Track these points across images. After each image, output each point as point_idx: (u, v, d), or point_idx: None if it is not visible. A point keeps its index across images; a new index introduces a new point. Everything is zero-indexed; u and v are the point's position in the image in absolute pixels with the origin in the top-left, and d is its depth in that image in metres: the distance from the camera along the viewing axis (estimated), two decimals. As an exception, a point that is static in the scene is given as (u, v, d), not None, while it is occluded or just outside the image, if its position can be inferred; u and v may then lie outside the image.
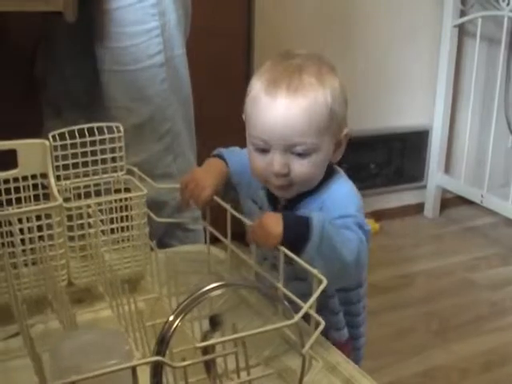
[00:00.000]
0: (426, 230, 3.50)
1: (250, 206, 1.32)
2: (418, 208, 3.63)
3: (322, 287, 0.97)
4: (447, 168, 3.61)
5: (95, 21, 1.81)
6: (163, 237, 1.89)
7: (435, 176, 3.56)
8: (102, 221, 1.22)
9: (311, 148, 1.16)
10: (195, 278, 1.21)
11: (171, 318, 0.88)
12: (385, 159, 3.45)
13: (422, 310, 2.70)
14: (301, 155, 1.16)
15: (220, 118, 2.65)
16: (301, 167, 1.17)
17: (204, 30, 2.52)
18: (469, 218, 3.58)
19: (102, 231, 1.22)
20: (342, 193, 1.22)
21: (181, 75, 1.93)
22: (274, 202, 1.27)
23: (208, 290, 0.91)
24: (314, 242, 1.05)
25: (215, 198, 1.24)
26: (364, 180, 3.36)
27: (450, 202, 3.66)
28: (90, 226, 1.21)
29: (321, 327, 0.97)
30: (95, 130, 1.28)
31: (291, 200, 1.24)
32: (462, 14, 3.35)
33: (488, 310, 2.73)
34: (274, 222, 1.06)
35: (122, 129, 1.29)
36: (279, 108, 1.14)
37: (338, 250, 1.08)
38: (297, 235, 1.06)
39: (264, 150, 1.18)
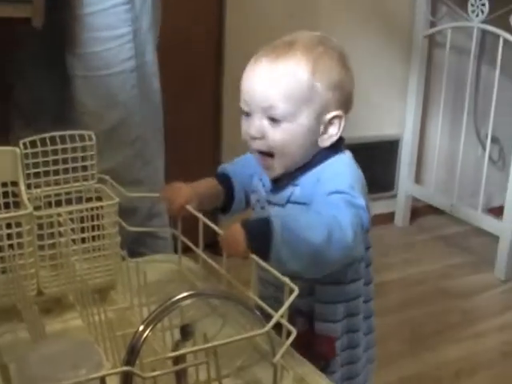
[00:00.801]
0: (396, 239, 3.51)
1: (256, 183, 1.34)
2: (389, 217, 3.65)
3: (293, 296, 0.97)
4: (417, 177, 3.63)
5: (67, 26, 1.80)
6: (132, 244, 1.88)
7: (405, 185, 3.58)
8: (72, 230, 1.21)
9: (285, 114, 1.19)
10: (167, 287, 1.20)
11: (141, 328, 0.88)
12: (356, 168, 3.44)
13: (393, 319, 2.70)
14: (275, 120, 1.20)
15: (189, 127, 2.66)
16: (274, 133, 1.21)
17: (175, 40, 2.52)
18: (439, 226, 3.60)
19: (73, 240, 1.21)
20: (336, 169, 1.24)
21: (151, 81, 1.93)
22: (274, 181, 1.29)
23: (178, 299, 0.91)
24: (277, 233, 1.05)
25: (187, 206, 1.24)
26: (335, 189, 3.35)
27: (421, 211, 3.68)
28: (60, 234, 1.20)
29: (292, 336, 0.97)
30: (67, 138, 1.27)
31: (289, 178, 1.26)
32: (432, 24, 3.38)
33: (459, 319, 2.75)
34: (238, 229, 1.06)
35: (93, 137, 1.28)
36: (260, 70, 1.20)
37: (302, 236, 1.08)
38: (259, 234, 1.06)
39: (248, 114, 1.22)
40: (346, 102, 1.26)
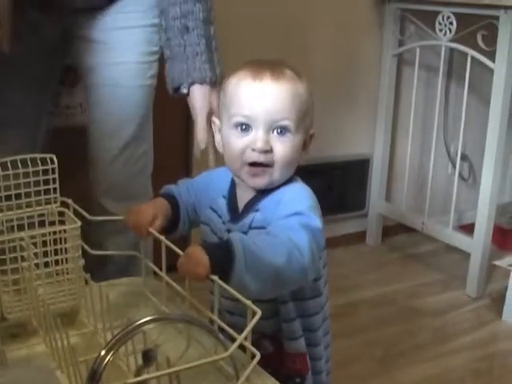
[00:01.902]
0: (368, 258, 3.52)
1: (209, 214, 1.34)
2: (360, 236, 3.65)
3: (256, 318, 0.96)
4: (388, 196, 3.64)
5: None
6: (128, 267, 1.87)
7: (376, 204, 3.59)
8: (35, 254, 1.20)
9: (292, 126, 1.23)
10: (131, 311, 1.19)
11: (103, 353, 0.87)
12: (326, 188, 3.46)
13: (365, 338, 2.71)
14: (282, 133, 1.23)
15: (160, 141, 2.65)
16: (282, 146, 1.24)
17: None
18: (410, 245, 3.61)
19: (36, 264, 1.20)
20: (296, 191, 1.26)
21: None
22: (233, 210, 1.31)
23: (140, 324, 0.90)
24: (239, 257, 1.06)
25: (151, 229, 1.24)
26: (306, 209, 3.35)
27: (392, 229, 3.69)
28: (23, 259, 1.18)
29: (256, 358, 0.96)
30: (28, 161, 1.26)
31: (248, 205, 1.27)
32: (401, 43, 3.41)
33: (431, 337, 2.76)
34: (199, 251, 1.06)
35: (55, 160, 1.27)
36: (265, 86, 1.23)
37: (263, 259, 1.09)
38: (222, 257, 1.06)
39: (245, 129, 1.23)
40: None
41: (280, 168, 1.24)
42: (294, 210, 1.18)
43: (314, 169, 3.34)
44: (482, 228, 3.04)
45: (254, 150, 1.23)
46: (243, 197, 1.30)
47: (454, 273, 3.29)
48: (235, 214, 1.29)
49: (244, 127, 1.24)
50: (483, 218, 3.03)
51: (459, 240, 3.20)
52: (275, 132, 1.23)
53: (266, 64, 1.26)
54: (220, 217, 1.31)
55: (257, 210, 1.25)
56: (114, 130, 1.84)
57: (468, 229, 3.31)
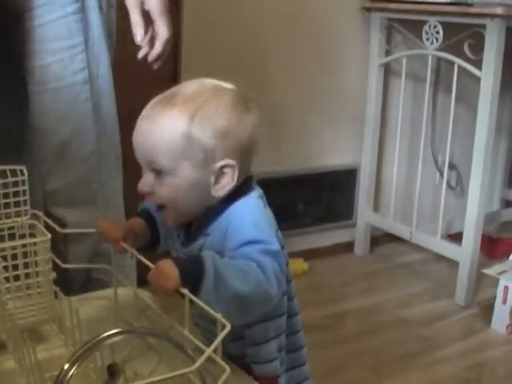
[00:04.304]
0: (356, 267, 3.51)
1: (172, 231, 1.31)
2: (348, 246, 3.64)
3: (225, 331, 0.94)
4: (376, 205, 3.63)
5: (19, 42, 1.77)
6: (90, 272, 1.83)
7: (364, 214, 3.58)
8: (5, 267, 1.18)
9: (164, 169, 1.17)
10: (102, 325, 1.17)
11: (66, 366, 0.85)
12: (314, 198, 3.46)
13: (354, 348, 2.70)
14: (159, 174, 1.18)
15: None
16: (160, 187, 1.18)
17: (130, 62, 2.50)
18: (398, 254, 3.60)
19: (6, 278, 1.18)
20: (240, 217, 1.18)
21: (106, 96, 1.86)
22: (187, 231, 1.26)
23: (105, 336, 0.89)
24: (209, 275, 1.03)
25: (121, 243, 1.22)
26: (293, 219, 3.36)
27: (380, 239, 3.69)
28: (-8, 272, 1.17)
29: (226, 373, 0.94)
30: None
31: (199, 228, 1.23)
32: (388, 53, 3.41)
33: (419, 346, 2.75)
34: (169, 264, 1.03)
35: (25, 172, 1.26)
36: (141, 125, 1.19)
37: (231, 282, 1.05)
38: (192, 272, 1.04)
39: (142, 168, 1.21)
40: (240, 150, 1.19)
41: (174, 208, 1.20)
42: (246, 238, 1.13)
43: (301, 179, 3.34)
44: (470, 237, 3.04)
45: None
46: (195, 219, 1.26)
47: (442, 282, 3.29)
48: (187, 236, 1.25)
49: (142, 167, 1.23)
50: (471, 227, 3.03)
51: (448, 249, 3.20)
52: (155, 172, 1.19)
53: (165, 97, 1.21)
54: (179, 236, 1.28)
55: (207, 235, 1.21)
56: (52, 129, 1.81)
57: (456, 238, 3.30)
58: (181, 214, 1.21)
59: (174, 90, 1.21)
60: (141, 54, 1.66)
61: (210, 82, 1.23)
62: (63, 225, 1.76)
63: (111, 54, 1.90)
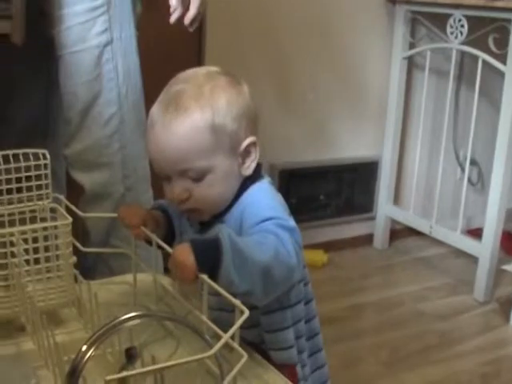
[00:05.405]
0: (375, 261, 3.50)
1: (184, 223, 1.31)
2: (368, 239, 3.63)
3: (243, 317, 0.95)
4: (396, 199, 3.62)
5: (44, 8, 1.77)
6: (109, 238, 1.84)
7: (384, 207, 3.57)
8: (25, 250, 1.18)
9: (202, 171, 1.16)
10: (121, 310, 1.17)
11: (84, 348, 0.86)
12: (335, 190, 3.45)
13: (371, 341, 2.70)
14: (196, 179, 1.17)
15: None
16: (200, 190, 1.18)
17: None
18: (418, 248, 3.60)
19: (26, 261, 1.18)
20: (256, 200, 1.20)
21: (129, 58, 1.85)
22: (201, 222, 1.26)
23: (122, 320, 0.89)
24: (228, 255, 1.02)
25: (143, 228, 1.22)
26: (314, 211, 3.34)
27: (400, 232, 3.68)
28: (13, 255, 1.17)
29: (243, 360, 0.94)
30: (20, 157, 1.25)
31: (214, 217, 1.23)
32: (411, 46, 3.38)
33: (437, 340, 2.74)
34: (184, 253, 1.02)
35: (48, 155, 1.26)
36: (159, 140, 1.17)
37: (252, 256, 1.05)
38: (209, 256, 1.02)
39: (168, 178, 1.19)
40: (253, 123, 1.22)
41: (210, 205, 1.21)
42: (263, 216, 1.14)
43: (323, 171, 3.33)
44: (490, 233, 3.02)
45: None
46: None
47: (461, 277, 3.28)
48: (203, 224, 1.25)
49: (165, 177, 1.21)
50: (492, 223, 3.01)
51: (467, 244, 3.18)
52: (190, 178, 1.18)
53: (163, 101, 1.19)
54: (191, 226, 1.29)
55: (222, 222, 1.21)
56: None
57: (476, 233, 3.29)
58: (216, 208, 1.22)
59: (171, 94, 1.19)
60: (174, 17, 1.68)
61: (196, 72, 1.23)
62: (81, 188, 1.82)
63: (137, 17, 1.90)
